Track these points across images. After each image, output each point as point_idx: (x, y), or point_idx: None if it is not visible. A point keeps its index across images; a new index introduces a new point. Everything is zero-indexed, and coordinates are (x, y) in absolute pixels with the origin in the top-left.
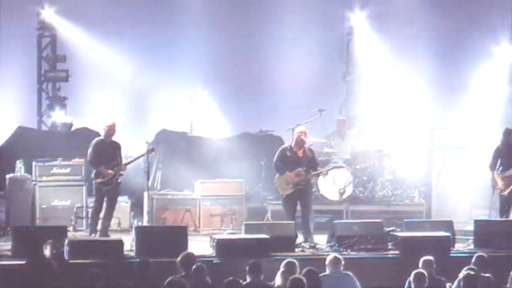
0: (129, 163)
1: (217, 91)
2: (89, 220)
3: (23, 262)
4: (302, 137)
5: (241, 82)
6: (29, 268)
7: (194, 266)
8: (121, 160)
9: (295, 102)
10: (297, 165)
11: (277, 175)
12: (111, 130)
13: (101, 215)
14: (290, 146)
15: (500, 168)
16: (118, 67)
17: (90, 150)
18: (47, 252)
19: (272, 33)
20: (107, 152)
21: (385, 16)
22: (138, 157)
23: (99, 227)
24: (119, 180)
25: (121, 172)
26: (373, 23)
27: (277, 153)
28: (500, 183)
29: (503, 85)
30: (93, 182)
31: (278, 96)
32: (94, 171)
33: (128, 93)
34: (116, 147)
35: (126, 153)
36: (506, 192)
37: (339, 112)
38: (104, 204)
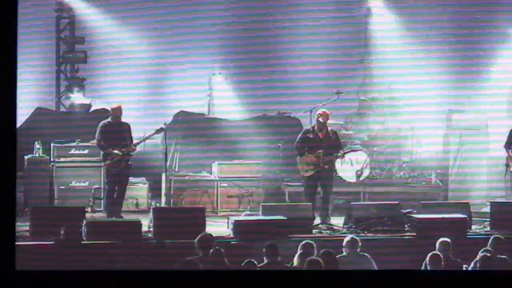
0: (137, 143)
1: (235, 73)
2: (105, 203)
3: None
4: (320, 119)
5: (258, 64)
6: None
7: (211, 249)
8: (131, 141)
9: (312, 84)
10: (317, 147)
11: (298, 156)
12: (116, 112)
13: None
14: (313, 128)
15: None
16: (136, 49)
17: (97, 132)
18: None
19: (289, 15)
20: (114, 134)
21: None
22: (146, 138)
23: (113, 209)
24: (129, 162)
25: (131, 153)
26: (390, 6)
27: (299, 135)
28: None
29: None
30: (102, 164)
31: (296, 79)
32: (102, 153)
33: (146, 74)
34: (125, 128)
35: (144, 134)
36: None
37: (357, 95)
38: (115, 186)
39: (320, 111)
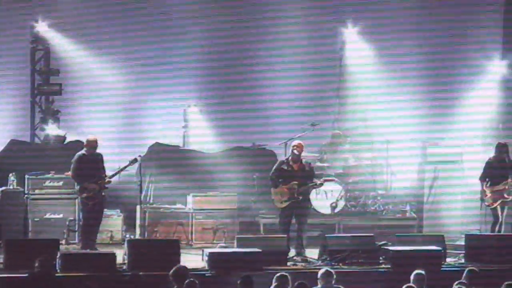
0: (112, 175)
1: (210, 105)
2: (80, 235)
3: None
4: (295, 151)
5: (234, 97)
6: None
7: (186, 281)
8: (104, 173)
9: (287, 116)
10: (292, 179)
11: (272, 188)
12: (92, 144)
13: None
14: (287, 159)
15: (490, 182)
16: (110, 80)
17: (73, 165)
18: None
19: (265, 48)
20: (90, 166)
21: (378, 32)
22: (121, 169)
23: (88, 240)
24: (104, 194)
25: (106, 186)
26: (366, 39)
27: (274, 166)
28: (488, 196)
29: (494, 101)
30: (79, 197)
31: (271, 111)
32: (79, 186)
33: (121, 106)
34: (99, 159)
35: (119, 166)
36: (494, 206)
37: (332, 127)
38: (91, 219)
39: (295, 142)
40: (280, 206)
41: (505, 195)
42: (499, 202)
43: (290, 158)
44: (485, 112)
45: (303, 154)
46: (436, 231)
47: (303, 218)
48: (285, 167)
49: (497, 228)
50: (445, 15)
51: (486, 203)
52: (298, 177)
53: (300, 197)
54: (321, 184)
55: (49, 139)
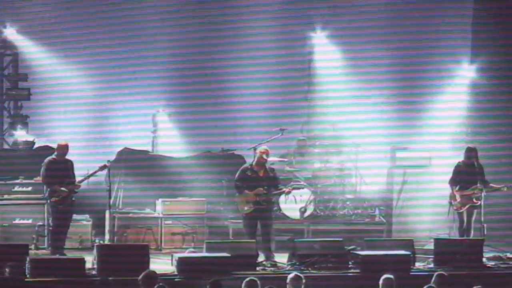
0: (82, 180)
1: (179, 110)
2: (49, 239)
3: None
4: (264, 156)
5: (203, 101)
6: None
7: (156, 286)
8: (74, 178)
9: (256, 121)
10: (257, 185)
11: (237, 194)
12: (62, 150)
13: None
14: (251, 165)
15: (459, 186)
16: (79, 85)
17: (42, 169)
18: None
19: (233, 53)
20: (60, 171)
21: (347, 36)
22: (90, 175)
23: (57, 245)
24: (73, 199)
25: (75, 190)
26: (334, 43)
27: (238, 173)
28: (457, 200)
29: (462, 105)
30: (48, 201)
31: (240, 115)
32: (48, 190)
33: (90, 111)
34: (69, 165)
35: (88, 171)
36: (462, 210)
37: (300, 132)
38: (60, 223)
39: (262, 148)
40: (246, 212)
41: (474, 200)
42: (467, 206)
43: (254, 163)
44: (454, 117)
45: (272, 159)
46: (405, 235)
47: (269, 222)
48: (249, 173)
49: (465, 232)
50: (414, 19)
51: (454, 208)
52: (264, 182)
53: (265, 203)
54: (289, 191)
55: (17, 144)
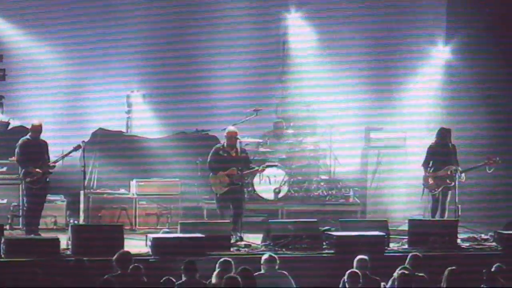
0: (56, 161)
1: (153, 91)
2: (24, 220)
3: None
4: (234, 137)
5: (177, 82)
6: None
7: (130, 266)
8: (48, 159)
9: (231, 102)
10: (231, 165)
11: (211, 174)
12: (36, 129)
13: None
14: (223, 146)
15: (433, 168)
16: (54, 65)
17: (17, 150)
18: None
19: (208, 33)
20: (34, 151)
21: (321, 17)
22: (65, 155)
23: (32, 225)
24: (47, 179)
25: (50, 170)
26: (309, 24)
27: (210, 153)
28: (431, 182)
29: (437, 86)
30: (23, 182)
31: (214, 96)
32: (23, 170)
33: (65, 92)
34: (43, 146)
35: (63, 152)
36: (436, 192)
37: (275, 113)
38: (35, 204)
39: (231, 130)
40: (220, 192)
41: (448, 181)
42: (441, 188)
43: (225, 144)
44: (429, 97)
45: (245, 139)
46: (380, 216)
47: (241, 203)
48: (222, 153)
49: (438, 214)
50: (389, 0)
51: (428, 189)
52: (237, 162)
53: (239, 183)
54: (263, 170)
55: None
